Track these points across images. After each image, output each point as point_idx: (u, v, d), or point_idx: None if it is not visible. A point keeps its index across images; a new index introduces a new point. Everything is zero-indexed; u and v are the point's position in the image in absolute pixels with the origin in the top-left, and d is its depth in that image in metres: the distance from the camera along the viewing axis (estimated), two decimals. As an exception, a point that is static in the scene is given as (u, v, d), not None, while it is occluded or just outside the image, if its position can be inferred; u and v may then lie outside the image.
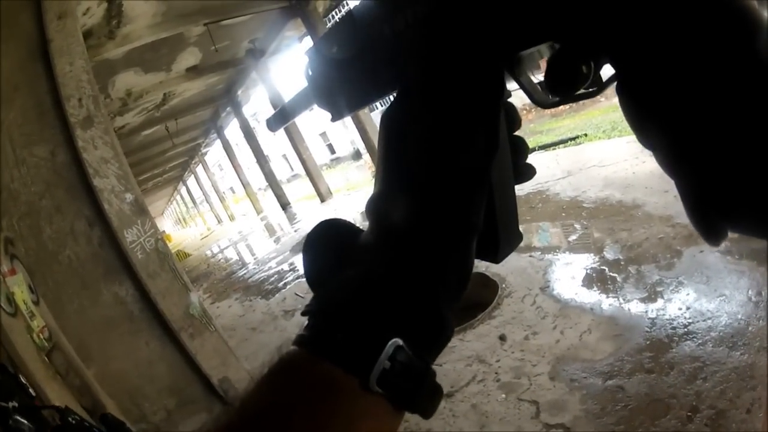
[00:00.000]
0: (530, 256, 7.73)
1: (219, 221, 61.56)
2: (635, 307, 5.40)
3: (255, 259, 21.10)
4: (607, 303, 5.73)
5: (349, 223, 0.78)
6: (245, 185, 41.38)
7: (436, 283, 0.64)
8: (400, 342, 0.61)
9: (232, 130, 39.19)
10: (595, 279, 6.33)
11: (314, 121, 48.84)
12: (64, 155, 6.52)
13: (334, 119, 0.91)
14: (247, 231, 34.57)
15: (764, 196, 0.46)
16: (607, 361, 4.77)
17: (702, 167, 0.49)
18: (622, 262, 6.40)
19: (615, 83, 0.54)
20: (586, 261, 6.93)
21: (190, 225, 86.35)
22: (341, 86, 0.84)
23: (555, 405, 4.56)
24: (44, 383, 4.47)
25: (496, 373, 5.35)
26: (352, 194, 25.43)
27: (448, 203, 0.65)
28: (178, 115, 26.12)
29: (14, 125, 6.26)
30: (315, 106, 0.92)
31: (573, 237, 7.97)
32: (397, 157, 0.70)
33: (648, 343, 4.77)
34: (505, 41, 0.61)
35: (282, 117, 1.04)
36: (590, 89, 0.59)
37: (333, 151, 54.12)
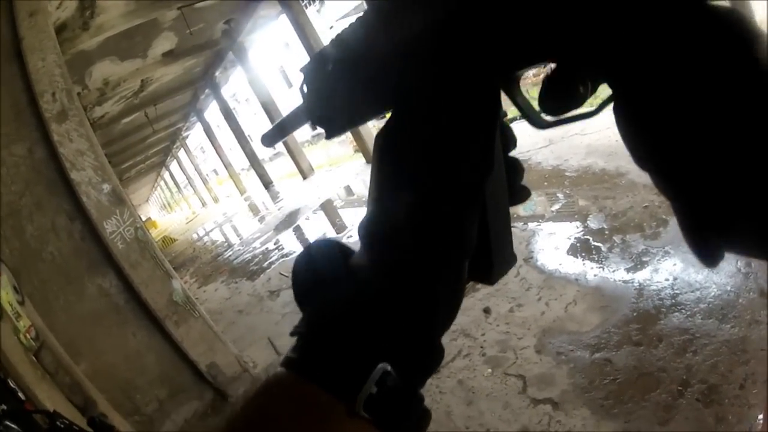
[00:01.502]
0: (513, 226, 7.67)
1: (203, 204, 61.58)
2: (621, 278, 5.39)
3: (240, 239, 21.23)
4: (592, 273, 5.71)
5: (341, 243, 0.76)
6: (227, 166, 41.43)
7: (426, 308, 0.64)
8: (388, 367, 0.60)
9: (212, 112, 39.09)
10: (580, 249, 6.32)
11: (293, 98, 48.83)
12: (42, 151, 6.54)
13: (328, 136, 0.90)
14: (231, 212, 34.67)
15: (761, 218, 0.46)
16: (594, 333, 4.76)
17: (699, 189, 0.49)
18: (607, 232, 6.39)
19: (612, 103, 0.53)
20: (569, 231, 6.93)
21: (175, 210, 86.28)
22: (336, 103, 0.83)
23: (542, 379, 4.55)
24: (33, 385, 4.49)
25: (481, 347, 5.35)
26: (333, 170, 25.48)
27: (440, 226, 0.64)
28: (157, 101, 26.08)
29: None
30: (309, 123, 0.91)
31: (556, 206, 7.96)
32: (389, 180, 0.69)
33: (635, 314, 4.75)
34: (502, 60, 0.61)
35: (277, 133, 1.02)
36: (587, 110, 0.59)
37: (314, 128, 54.06)
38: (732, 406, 3.50)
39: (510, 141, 0.72)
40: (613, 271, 5.55)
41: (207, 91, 31.48)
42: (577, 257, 6.14)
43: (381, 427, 0.60)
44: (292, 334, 0.66)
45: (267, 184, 31.44)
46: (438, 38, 0.64)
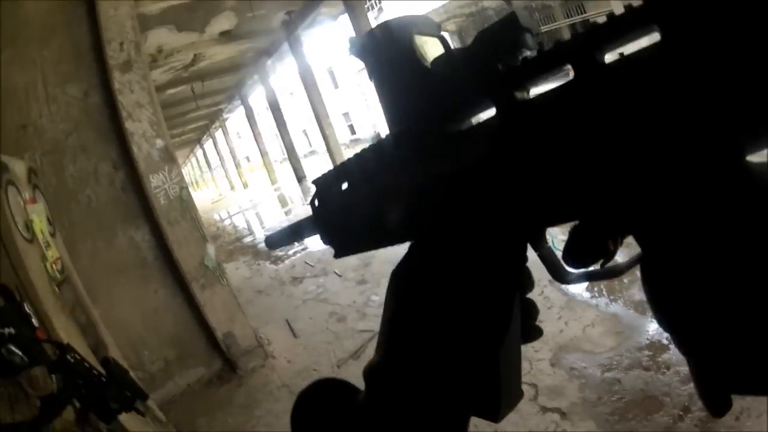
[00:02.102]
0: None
1: (232, 187, 61.23)
2: (638, 308, 5.50)
3: (263, 228, 21.15)
4: (612, 301, 5.86)
5: (344, 382, 0.79)
6: (263, 154, 41.20)
7: None
8: None
9: (257, 98, 39.11)
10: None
11: (338, 99, 48.65)
12: (98, 97, 6.61)
13: (336, 256, 0.92)
14: (258, 200, 34.53)
15: None
16: (607, 355, 4.90)
17: (719, 353, 0.48)
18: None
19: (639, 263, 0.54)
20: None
21: (203, 188, 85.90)
22: (348, 225, 0.85)
23: (553, 390, 4.69)
24: (52, 313, 4.48)
25: (496, 352, 5.36)
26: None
27: (447, 384, 0.66)
28: (205, 78, 25.91)
29: (48, 63, 6.33)
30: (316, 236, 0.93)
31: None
32: (403, 326, 0.71)
33: (648, 342, 4.89)
34: (532, 216, 0.62)
35: (284, 238, 1.07)
36: (614, 271, 0.60)
37: (353, 132, 53.84)
38: (726, 434, 3.65)
39: (528, 283, 0.71)
40: (632, 301, 5.68)
41: (255, 77, 31.43)
42: (600, 285, 6.19)
43: None
44: None
45: (300, 178, 31.30)
46: (470, 187, 0.65)
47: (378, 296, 8.33)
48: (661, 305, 0.52)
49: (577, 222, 0.58)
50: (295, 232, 1.02)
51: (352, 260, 10.27)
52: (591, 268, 0.60)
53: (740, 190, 0.45)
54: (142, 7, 12.92)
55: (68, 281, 5.47)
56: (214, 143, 63.08)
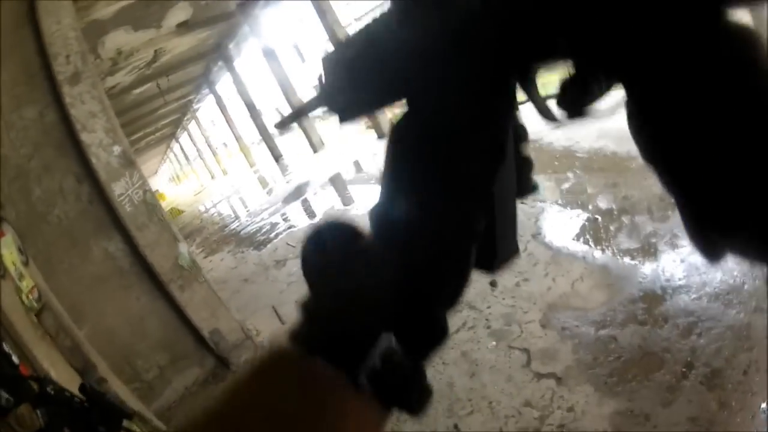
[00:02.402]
0: (522, 203, 7.62)
1: (212, 177, 61.54)
2: (628, 258, 5.36)
3: (247, 211, 21.31)
4: (599, 253, 5.69)
5: (353, 224, 0.75)
6: (238, 139, 41.38)
7: (433, 288, 0.65)
8: (392, 342, 0.61)
9: (224, 84, 39.03)
10: (588, 228, 6.29)
11: (306, 73, 48.80)
12: (53, 114, 6.57)
13: (342, 122, 0.92)
14: (239, 185, 34.82)
15: (760, 224, 0.48)
16: (600, 311, 4.74)
17: (701, 188, 0.51)
18: (616, 212, 6.35)
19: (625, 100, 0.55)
20: (578, 210, 6.90)
21: (184, 182, 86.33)
22: (352, 90, 0.85)
23: (546, 353, 4.54)
24: (32, 344, 4.50)
25: (486, 319, 5.34)
26: (344, 145, 25.39)
27: (450, 212, 0.65)
28: (169, 72, 25.93)
29: (4, 90, 6.28)
30: (325, 109, 0.92)
31: (566, 185, 7.89)
32: (402, 167, 0.70)
33: (641, 294, 4.73)
34: (519, 56, 0.63)
35: (292, 119, 1.10)
36: (603, 109, 0.60)
37: (329, 114, 54.10)
38: (735, 391, 3.48)
39: (522, 135, 0.75)
40: (621, 251, 5.52)
41: (220, 63, 31.43)
42: (585, 236, 6.11)
43: (383, 401, 0.61)
44: (299, 309, 0.66)
45: (277, 157, 31.40)
46: (458, 35, 0.65)
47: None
48: (647, 141, 0.55)
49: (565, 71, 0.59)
50: (300, 111, 1.04)
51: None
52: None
53: (719, 39, 0.47)
54: (94, 13, 12.85)
55: (47, 307, 5.46)
56: (189, 135, 63.19)
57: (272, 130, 32.26)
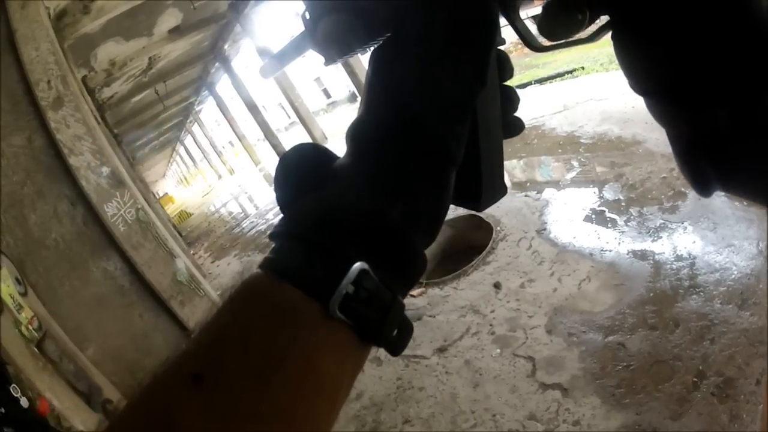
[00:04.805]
0: (526, 195, 7.56)
1: (219, 177, 61.93)
2: (637, 254, 5.20)
3: (255, 210, 21.58)
4: (607, 248, 5.54)
5: (324, 147, 0.73)
6: (241, 138, 41.59)
7: (410, 209, 0.62)
8: (366, 266, 0.57)
9: (224, 85, 39.19)
10: (595, 221, 6.14)
11: (308, 67, 49.12)
12: (41, 139, 6.63)
13: (327, 63, 0.87)
14: (246, 183, 35.24)
15: (751, 153, 0.51)
16: (608, 314, 4.60)
17: (693, 112, 0.54)
18: (623, 203, 6.20)
19: (608, 32, 0.59)
20: (584, 201, 6.75)
21: (192, 184, 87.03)
22: (336, 29, 0.80)
23: (552, 362, 4.42)
24: (34, 376, 4.55)
25: (490, 325, 5.23)
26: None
27: (427, 129, 0.62)
28: (166, 77, 26.13)
29: None
30: (309, 51, 0.89)
31: (571, 174, 7.79)
32: (381, 84, 0.67)
33: (651, 295, 4.58)
34: None
35: (276, 63, 0.99)
36: (584, 36, 0.62)
37: (329, 96, 54.61)
38: (747, 403, 3.35)
39: (507, 70, 0.72)
40: (629, 247, 5.37)
41: (217, 64, 31.55)
42: (592, 230, 5.97)
43: (359, 332, 0.57)
44: (269, 236, 0.63)
45: (280, 153, 31.61)
46: None
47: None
48: (635, 66, 0.57)
49: None
50: (283, 55, 0.96)
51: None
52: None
53: None
54: (83, 28, 12.81)
55: (49, 335, 5.51)
56: (193, 137, 63.70)
57: (274, 124, 32.55)
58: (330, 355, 0.56)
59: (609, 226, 5.89)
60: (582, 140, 8.85)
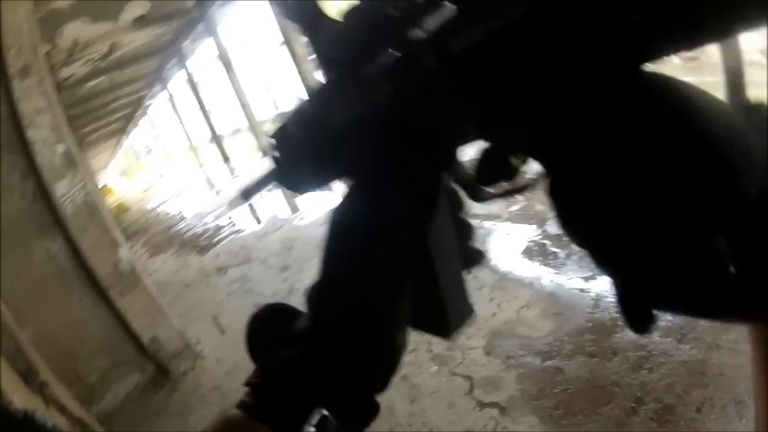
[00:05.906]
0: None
1: (161, 175, 61.19)
2: (577, 286, 5.31)
3: (193, 213, 21.28)
4: (547, 279, 5.64)
5: (290, 307, 0.83)
6: (188, 138, 41.16)
7: (359, 369, 0.71)
8: (325, 413, 0.68)
9: (177, 82, 38.78)
10: (536, 253, 6.26)
11: (258, 76, 48.73)
12: (5, 106, 6.43)
13: (297, 194, 1.04)
14: (187, 185, 35.02)
15: (684, 294, 0.53)
16: (546, 340, 4.70)
17: (624, 266, 0.54)
18: (565, 238, 6.24)
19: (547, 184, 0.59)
20: (526, 233, 6.84)
21: (134, 177, 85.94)
22: (300, 172, 0.91)
23: (490, 382, 4.50)
24: None
25: (428, 343, 5.27)
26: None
27: (371, 301, 0.70)
28: (123, 66, 25.64)
29: None
30: (276, 183, 0.99)
31: (514, 207, 7.83)
32: (334, 252, 0.75)
33: (590, 325, 4.69)
34: (439, 139, 0.68)
35: (248, 193, 1.10)
36: (520, 186, 0.65)
37: (277, 108, 54.44)
38: (687, 428, 3.43)
39: (457, 204, 0.78)
40: (570, 279, 5.48)
41: (173, 60, 31.26)
42: (533, 261, 6.10)
43: None
44: (245, 384, 0.72)
45: (225, 158, 31.31)
46: (383, 117, 0.70)
47: (301, 284, 8.28)
48: (566, 221, 0.59)
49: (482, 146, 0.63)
50: (255, 186, 1.06)
51: (275, 246, 10.70)
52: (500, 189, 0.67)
53: (633, 100, 0.49)
54: (53, 3, 12.67)
55: None
56: (140, 131, 62.93)
57: (220, 129, 32.34)
58: None
59: (550, 258, 6.00)
60: (526, 175, 8.93)
